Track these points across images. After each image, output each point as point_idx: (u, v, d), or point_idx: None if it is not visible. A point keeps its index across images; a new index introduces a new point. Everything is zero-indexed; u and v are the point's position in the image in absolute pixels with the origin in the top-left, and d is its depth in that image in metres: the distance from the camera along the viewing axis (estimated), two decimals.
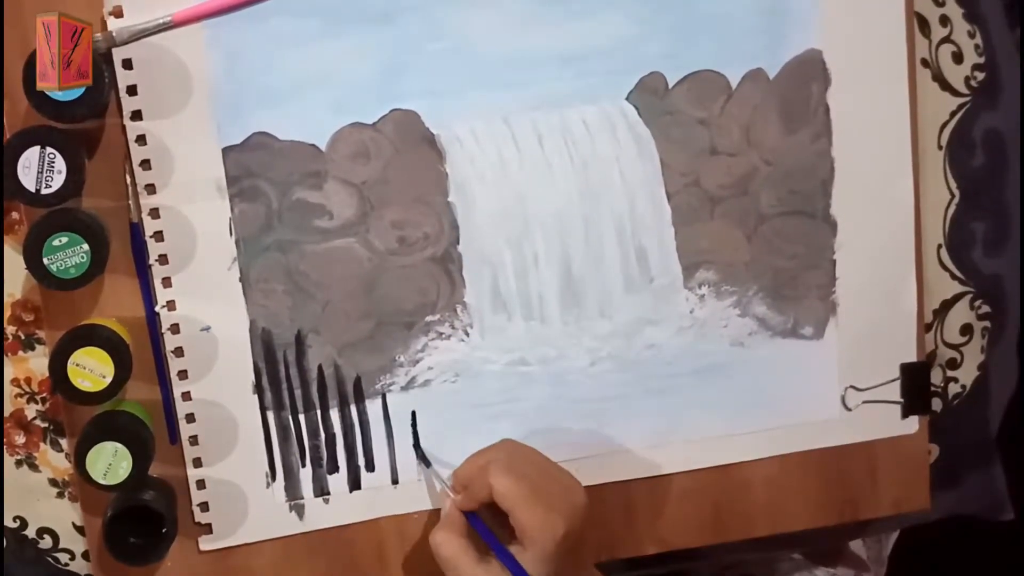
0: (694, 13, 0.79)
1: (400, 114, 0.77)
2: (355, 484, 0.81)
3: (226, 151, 0.75)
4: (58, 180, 0.69)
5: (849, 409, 0.86)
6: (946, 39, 0.84)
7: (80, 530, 0.80)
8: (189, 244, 0.76)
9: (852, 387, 0.85)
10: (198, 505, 0.79)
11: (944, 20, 0.84)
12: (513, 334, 0.81)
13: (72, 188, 0.69)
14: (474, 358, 0.81)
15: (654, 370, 0.82)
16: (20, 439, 0.79)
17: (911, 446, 0.87)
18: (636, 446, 0.83)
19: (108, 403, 0.72)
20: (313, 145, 0.76)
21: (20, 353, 0.78)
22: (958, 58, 0.85)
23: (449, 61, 0.77)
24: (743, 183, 0.81)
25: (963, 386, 0.89)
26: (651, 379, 0.83)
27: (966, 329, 0.88)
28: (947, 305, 0.87)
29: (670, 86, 0.79)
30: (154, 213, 0.75)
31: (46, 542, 0.80)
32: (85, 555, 0.81)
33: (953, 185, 0.86)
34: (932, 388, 0.87)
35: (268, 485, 0.80)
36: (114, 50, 0.72)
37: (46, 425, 0.79)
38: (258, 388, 0.78)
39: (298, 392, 0.79)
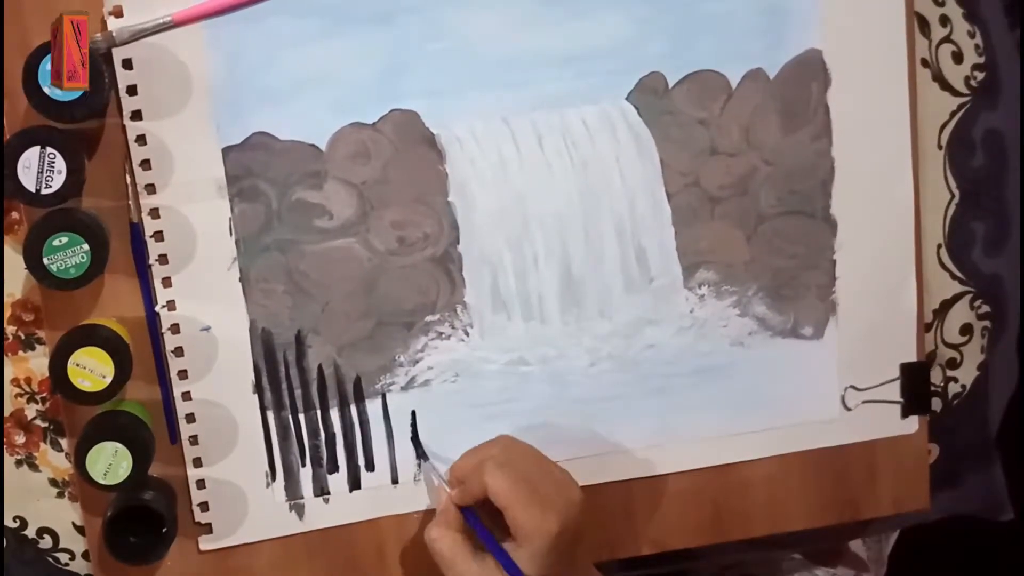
0: (694, 13, 0.78)
1: (400, 114, 0.77)
2: (355, 484, 0.81)
3: (226, 151, 0.75)
4: (58, 180, 0.69)
5: (849, 409, 0.86)
6: (946, 39, 0.84)
7: (80, 530, 0.80)
8: (189, 244, 0.76)
9: (852, 387, 0.85)
10: (198, 505, 0.79)
11: (944, 20, 0.84)
12: (513, 334, 0.81)
13: (72, 188, 0.69)
14: (474, 358, 0.81)
15: (654, 370, 0.82)
16: (20, 439, 0.79)
17: (911, 446, 0.87)
18: (636, 446, 0.83)
19: (108, 403, 0.72)
20: (313, 145, 0.76)
21: (20, 353, 0.78)
22: (958, 58, 0.85)
23: (449, 61, 0.77)
24: (743, 183, 0.81)
25: (963, 386, 0.89)
26: (651, 379, 0.83)
27: (966, 329, 0.88)
28: (947, 305, 0.87)
29: (670, 86, 0.79)
30: (154, 213, 0.75)
31: (46, 542, 0.80)
32: (85, 555, 0.81)
33: (953, 185, 0.86)
34: (932, 388, 0.87)
35: (268, 485, 0.80)
36: (114, 50, 0.72)
37: (46, 425, 0.79)
38: (258, 388, 0.78)
39: (298, 392, 0.79)
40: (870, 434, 0.86)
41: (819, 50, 0.80)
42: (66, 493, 0.79)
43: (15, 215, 0.76)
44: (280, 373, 0.79)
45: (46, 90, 0.67)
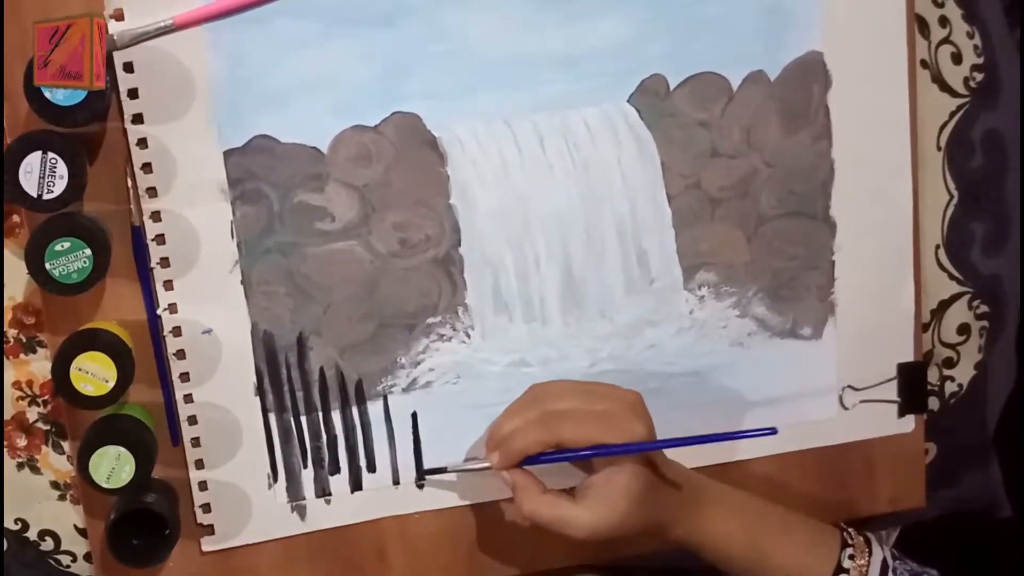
0: (695, 15, 0.78)
1: (401, 116, 0.77)
2: (356, 485, 0.81)
3: (227, 154, 0.75)
4: (60, 185, 0.68)
5: (846, 408, 0.86)
6: (945, 40, 0.84)
7: (82, 532, 0.80)
8: (191, 247, 0.76)
9: (850, 387, 0.86)
10: (200, 507, 0.79)
11: (943, 21, 0.84)
12: (514, 335, 0.81)
13: (74, 193, 0.69)
14: (475, 359, 0.81)
15: (654, 371, 0.83)
16: (22, 442, 0.79)
17: (907, 445, 0.88)
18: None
19: (110, 407, 0.72)
20: (314, 148, 0.76)
21: (22, 356, 0.78)
22: (957, 59, 0.85)
23: (450, 63, 0.76)
24: (744, 185, 0.82)
25: (960, 385, 0.89)
26: (651, 379, 0.83)
27: (963, 329, 0.88)
28: (944, 305, 0.87)
29: (671, 88, 0.79)
30: (156, 216, 0.75)
31: (47, 544, 0.80)
32: (87, 557, 0.81)
33: (952, 186, 0.86)
34: (929, 387, 0.88)
35: (270, 486, 0.80)
36: (115, 53, 0.72)
37: (48, 428, 0.79)
38: (260, 390, 0.79)
39: (300, 394, 0.79)
40: (867, 433, 0.87)
41: (820, 52, 0.81)
42: (68, 496, 0.80)
43: (16, 219, 0.76)
44: (282, 375, 0.79)
45: (47, 94, 0.67)
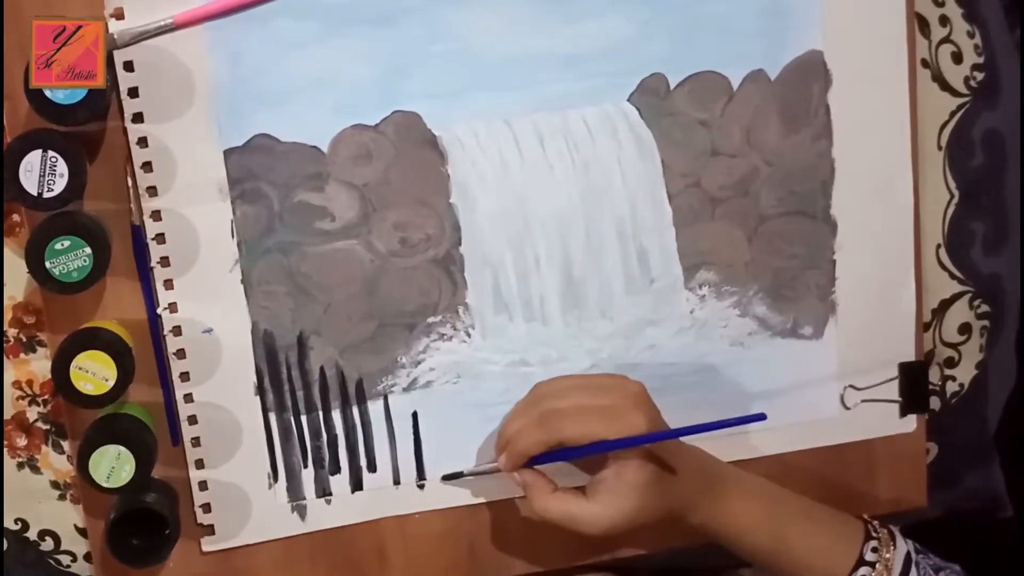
0: (695, 14, 0.78)
1: (401, 116, 0.77)
2: (357, 485, 0.81)
3: (228, 153, 0.75)
4: (60, 184, 0.68)
5: (848, 408, 0.86)
6: (946, 39, 0.84)
7: (82, 532, 0.80)
8: (191, 246, 0.76)
9: (851, 386, 0.86)
10: (200, 506, 0.79)
11: (944, 20, 0.84)
12: (514, 335, 0.81)
13: (74, 191, 0.69)
14: (475, 359, 0.81)
15: (654, 370, 0.83)
16: (22, 441, 0.79)
17: (909, 445, 0.88)
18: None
19: (110, 406, 0.72)
20: (315, 147, 0.76)
21: (22, 355, 0.78)
22: (958, 58, 0.85)
23: (450, 63, 0.76)
24: (744, 184, 0.82)
25: (961, 385, 0.89)
26: (651, 379, 0.81)
27: (964, 328, 0.88)
28: (945, 304, 0.87)
29: (671, 87, 0.79)
30: (156, 216, 0.75)
31: (47, 544, 0.80)
32: (87, 557, 0.81)
33: (952, 185, 0.86)
34: (930, 387, 0.88)
35: (270, 486, 0.80)
36: (115, 52, 0.72)
37: (48, 427, 0.79)
38: (260, 390, 0.78)
39: (300, 393, 0.79)
40: (869, 433, 0.87)
41: (820, 51, 0.81)
42: (68, 495, 0.79)
43: (16, 217, 0.76)
44: (282, 375, 0.79)
45: (47, 93, 0.67)
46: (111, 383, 0.70)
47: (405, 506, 0.82)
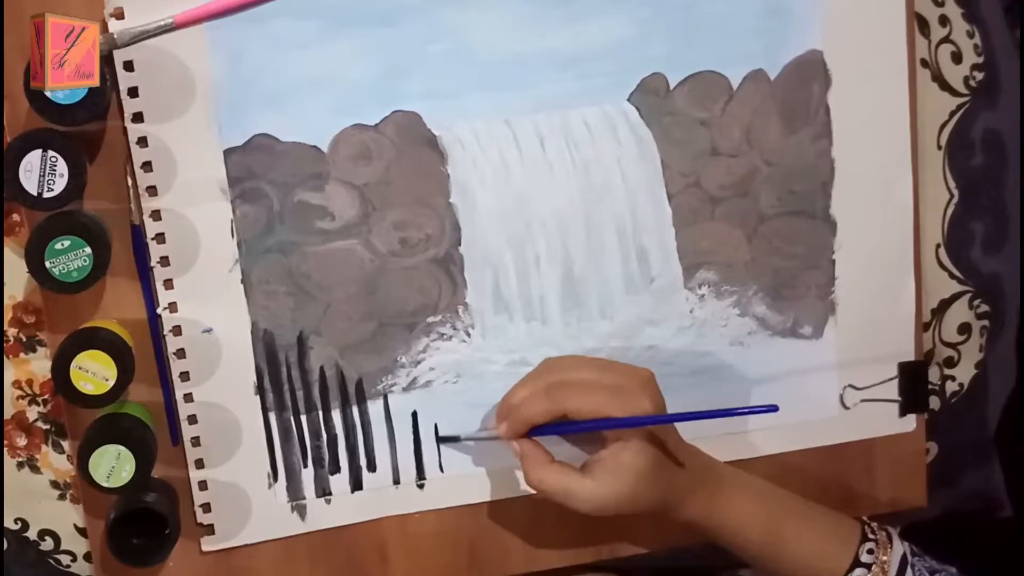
0: (695, 14, 0.79)
1: (401, 115, 0.77)
2: (357, 484, 0.81)
3: (228, 153, 0.75)
4: (60, 183, 0.68)
5: (847, 408, 0.86)
6: (945, 39, 0.84)
7: (82, 532, 0.80)
8: (191, 246, 0.75)
9: (850, 386, 0.86)
10: (200, 506, 0.79)
11: (943, 20, 0.84)
12: (514, 335, 0.81)
13: (74, 191, 0.69)
14: (475, 359, 0.81)
15: (654, 370, 0.82)
16: (21, 441, 0.79)
17: (909, 444, 0.88)
18: None
19: (111, 406, 0.72)
20: (315, 147, 0.76)
21: (21, 355, 0.77)
22: (957, 58, 0.85)
23: (450, 62, 0.76)
24: (744, 184, 0.82)
25: (961, 384, 0.89)
26: None
27: (964, 328, 0.88)
28: (945, 304, 0.87)
29: (671, 87, 0.79)
30: (156, 215, 0.75)
31: (47, 544, 0.80)
32: (87, 557, 0.81)
33: (952, 185, 0.86)
34: (930, 387, 0.88)
35: (270, 486, 0.80)
36: (115, 52, 0.72)
37: (47, 427, 0.79)
38: (260, 389, 0.78)
39: (300, 393, 0.79)
40: (868, 432, 0.87)
41: (820, 51, 0.81)
42: (67, 495, 0.79)
43: (16, 217, 0.76)
44: (282, 375, 0.79)
45: (48, 93, 0.67)
46: (111, 383, 0.70)
47: (405, 506, 0.82)
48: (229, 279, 0.77)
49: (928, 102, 0.84)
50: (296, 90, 0.75)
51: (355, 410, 0.80)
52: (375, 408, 0.80)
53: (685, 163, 0.81)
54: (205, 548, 0.80)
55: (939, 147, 0.85)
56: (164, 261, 0.75)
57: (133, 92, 0.73)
